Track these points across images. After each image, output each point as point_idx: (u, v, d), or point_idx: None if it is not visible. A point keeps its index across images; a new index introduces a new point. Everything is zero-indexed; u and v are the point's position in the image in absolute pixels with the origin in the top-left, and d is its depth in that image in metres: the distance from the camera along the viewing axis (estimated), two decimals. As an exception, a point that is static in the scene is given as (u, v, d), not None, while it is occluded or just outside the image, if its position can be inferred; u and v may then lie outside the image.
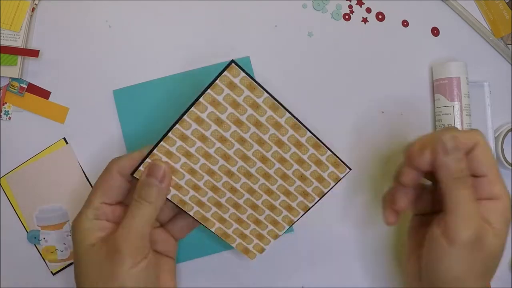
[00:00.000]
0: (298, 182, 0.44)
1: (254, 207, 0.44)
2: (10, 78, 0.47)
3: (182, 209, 0.43)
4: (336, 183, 0.44)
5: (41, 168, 0.47)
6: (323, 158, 0.43)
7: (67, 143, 0.47)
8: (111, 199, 0.41)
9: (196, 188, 0.42)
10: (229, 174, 0.43)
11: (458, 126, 0.49)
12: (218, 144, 0.42)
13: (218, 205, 0.43)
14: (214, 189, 0.43)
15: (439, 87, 0.51)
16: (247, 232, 0.45)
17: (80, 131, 0.48)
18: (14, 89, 0.47)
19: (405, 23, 0.53)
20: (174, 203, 0.42)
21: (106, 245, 0.38)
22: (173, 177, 0.42)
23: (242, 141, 0.42)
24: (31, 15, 0.46)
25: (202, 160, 0.42)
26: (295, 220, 0.45)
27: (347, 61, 0.51)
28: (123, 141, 0.48)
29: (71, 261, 0.47)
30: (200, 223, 0.44)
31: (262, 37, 0.50)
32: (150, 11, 0.48)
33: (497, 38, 0.53)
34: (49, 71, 0.47)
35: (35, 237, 0.47)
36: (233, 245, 0.45)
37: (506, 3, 0.53)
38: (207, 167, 0.42)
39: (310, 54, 0.51)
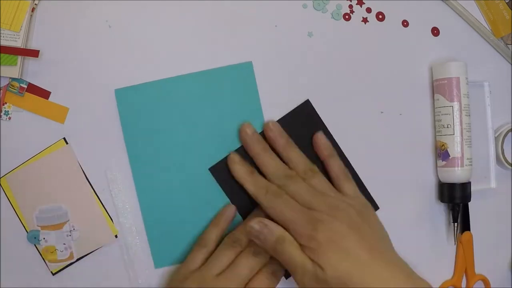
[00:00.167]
0: None
1: None
2: (10, 78, 0.47)
3: None
4: None
5: (41, 168, 0.47)
6: None
7: (67, 143, 0.47)
8: None
9: None
10: None
11: (457, 127, 0.49)
12: None
13: None
14: None
15: (439, 87, 0.51)
16: None
17: (80, 131, 0.48)
18: (14, 89, 0.47)
19: (405, 23, 0.53)
20: None
21: None
22: None
23: None
24: (31, 15, 0.46)
25: None
26: None
27: (347, 61, 0.51)
28: (123, 141, 0.48)
29: (72, 260, 0.47)
30: None
31: (262, 37, 0.50)
32: (150, 11, 0.48)
33: (497, 38, 0.53)
34: (49, 71, 0.47)
35: (35, 237, 0.47)
36: None
37: (506, 3, 0.53)
38: None
39: (310, 54, 0.51)
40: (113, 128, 0.48)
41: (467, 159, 0.50)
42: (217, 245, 0.46)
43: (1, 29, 0.45)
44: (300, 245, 0.41)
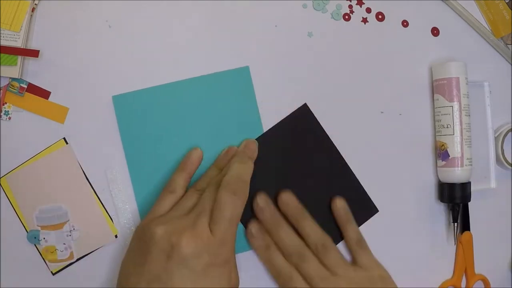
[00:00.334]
0: None
1: None
2: (10, 78, 0.47)
3: None
4: None
5: (41, 168, 0.47)
6: None
7: (67, 143, 0.47)
8: None
9: None
10: None
11: (457, 126, 0.49)
12: None
13: None
14: None
15: (438, 87, 0.51)
16: None
17: (80, 131, 0.48)
18: (14, 89, 0.47)
19: (405, 23, 0.53)
20: None
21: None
22: None
23: None
24: (31, 15, 0.46)
25: None
26: None
27: (347, 61, 0.51)
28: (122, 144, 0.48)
29: (72, 260, 0.47)
30: None
31: (262, 37, 0.50)
32: (150, 11, 0.48)
33: (497, 38, 0.53)
34: (49, 71, 0.47)
35: (35, 237, 0.47)
36: None
37: (506, 3, 0.53)
38: None
39: (310, 54, 0.51)
40: (113, 127, 0.48)
41: (467, 159, 0.50)
42: (185, 190, 0.45)
43: (1, 29, 0.45)
44: None
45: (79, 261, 0.48)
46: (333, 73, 0.51)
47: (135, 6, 0.48)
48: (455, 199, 0.50)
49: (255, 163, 0.47)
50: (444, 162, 0.50)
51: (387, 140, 0.52)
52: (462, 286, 0.53)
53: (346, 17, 0.51)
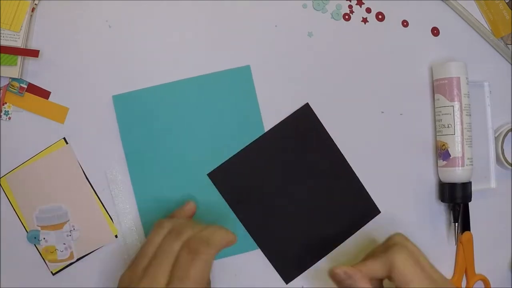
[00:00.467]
0: None
1: None
2: (10, 78, 0.46)
3: None
4: None
5: (41, 168, 0.47)
6: None
7: (67, 143, 0.47)
8: None
9: None
10: None
11: (458, 126, 0.49)
12: None
13: None
14: None
15: (439, 87, 0.51)
16: None
17: (80, 131, 0.48)
18: (14, 89, 0.47)
19: (405, 23, 0.53)
20: None
21: None
22: None
23: None
24: (31, 15, 0.46)
25: None
26: None
27: (347, 61, 0.51)
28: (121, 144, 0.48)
29: (72, 260, 0.47)
30: None
31: (262, 37, 0.50)
32: (150, 11, 0.48)
33: (497, 38, 0.53)
34: (49, 71, 0.47)
35: (35, 237, 0.47)
36: None
37: (506, 3, 0.53)
38: None
39: (310, 54, 0.51)
40: (113, 127, 0.48)
41: (468, 159, 0.50)
42: None
43: (1, 29, 0.45)
44: None
45: (79, 261, 0.48)
46: (333, 73, 0.51)
47: (135, 6, 0.48)
48: (456, 199, 0.50)
49: (259, 163, 0.47)
50: (445, 162, 0.50)
51: (387, 140, 0.52)
52: (462, 286, 0.53)
53: (346, 17, 0.51)
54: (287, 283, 0.49)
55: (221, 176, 0.48)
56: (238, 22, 0.49)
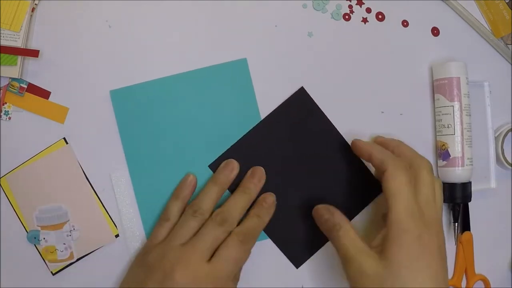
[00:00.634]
0: None
1: None
2: (10, 78, 0.46)
3: None
4: None
5: (41, 168, 0.47)
6: None
7: (67, 143, 0.47)
8: None
9: None
10: None
11: (458, 126, 0.49)
12: None
13: None
14: None
15: (439, 87, 0.51)
16: None
17: (80, 131, 0.48)
18: (14, 89, 0.47)
19: (405, 23, 0.53)
20: None
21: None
22: None
23: None
24: (31, 15, 0.46)
25: None
26: None
27: (347, 61, 0.51)
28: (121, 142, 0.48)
29: (72, 260, 0.47)
30: None
31: (262, 37, 0.50)
32: (150, 11, 0.48)
33: (497, 38, 0.53)
34: (49, 71, 0.47)
35: (35, 237, 0.47)
36: None
37: (506, 3, 0.53)
38: None
39: (310, 54, 0.51)
40: (113, 127, 0.48)
41: (468, 159, 0.50)
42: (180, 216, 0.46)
43: (1, 29, 0.45)
44: None
45: (79, 261, 0.48)
46: (333, 73, 0.51)
47: (135, 6, 0.48)
48: (456, 199, 0.50)
49: (259, 151, 0.48)
50: (445, 162, 0.50)
51: (387, 140, 0.52)
52: (462, 286, 0.53)
53: (346, 17, 0.51)
54: (297, 268, 0.50)
55: None
56: (238, 22, 0.49)
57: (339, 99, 0.51)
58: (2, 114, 0.47)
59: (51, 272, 0.48)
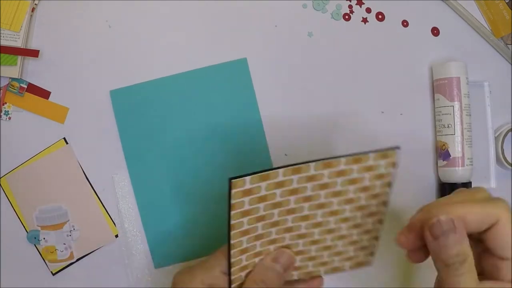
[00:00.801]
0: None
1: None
2: (10, 78, 0.46)
3: None
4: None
5: (41, 168, 0.47)
6: (370, 163, 0.39)
7: (67, 143, 0.47)
8: None
9: None
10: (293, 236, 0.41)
11: (458, 126, 0.49)
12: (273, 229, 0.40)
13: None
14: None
15: (439, 87, 0.51)
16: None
17: (80, 131, 0.48)
18: (14, 89, 0.47)
19: (405, 23, 0.53)
20: None
21: None
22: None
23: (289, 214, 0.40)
24: (31, 15, 0.46)
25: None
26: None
27: (347, 61, 0.51)
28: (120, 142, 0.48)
29: (72, 260, 0.47)
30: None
31: (262, 37, 0.50)
32: (150, 11, 0.48)
33: (497, 38, 0.53)
34: (49, 71, 0.47)
35: (35, 237, 0.47)
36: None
37: (506, 3, 0.53)
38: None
39: (310, 54, 0.51)
40: (113, 127, 0.48)
41: (468, 159, 0.50)
42: None
43: (1, 29, 0.45)
44: None
45: (79, 261, 0.48)
46: (333, 73, 0.51)
47: (135, 6, 0.48)
48: (456, 199, 0.50)
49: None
50: (445, 162, 0.50)
51: (388, 140, 0.52)
52: (462, 286, 0.53)
53: (346, 17, 0.51)
54: None
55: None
56: (238, 22, 0.49)
57: (339, 98, 0.51)
58: (2, 114, 0.47)
59: (51, 272, 0.48)
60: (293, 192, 0.38)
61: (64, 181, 0.47)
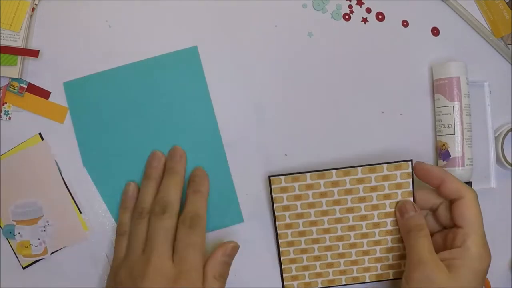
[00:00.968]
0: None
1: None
2: (10, 78, 0.46)
3: None
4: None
5: (17, 162, 0.47)
6: (386, 173, 0.47)
7: (42, 139, 0.47)
8: None
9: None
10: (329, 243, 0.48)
11: (458, 126, 0.49)
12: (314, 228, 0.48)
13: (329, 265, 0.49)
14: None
15: (439, 87, 0.51)
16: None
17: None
18: (14, 89, 0.47)
19: (405, 23, 0.53)
20: None
21: None
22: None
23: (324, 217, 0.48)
24: (31, 15, 0.46)
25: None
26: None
27: (347, 61, 0.51)
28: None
29: (45, 256, 0.47)
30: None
31: (262, 37, 0.50)
32: (150, 11, 0.48)
33: (497, 38, 0.53)
34: (49, 71, 0.47)
35: (10, 232, 0.47)
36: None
37: (506, 3, 0.53)
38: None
39: (310, 54, 0.51)
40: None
41: (468, 159, 0.50)
42: None
43: (1, 29, 0.45)
44: None
45: (52, 255, 0.47)
46: (333, 73, 0.51)
47: (135, 6, 0.48)
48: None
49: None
50: (445, 162, 0.50)
51: (388, 140, 0.52)
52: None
53: (346, 17, 0.51)
54: None
55: None
56: (238, 22, 0.49)
57: (339, 99, 0.51)
58: (2, 114, 0.47)
59: (22, 267, 0.47)
60: (323, 195, 0.47)
61: (40, 176, 0.47)
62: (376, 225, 0.48)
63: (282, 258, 0.48)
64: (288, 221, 0.47)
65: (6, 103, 0.47)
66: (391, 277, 0.49)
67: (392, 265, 0.49)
